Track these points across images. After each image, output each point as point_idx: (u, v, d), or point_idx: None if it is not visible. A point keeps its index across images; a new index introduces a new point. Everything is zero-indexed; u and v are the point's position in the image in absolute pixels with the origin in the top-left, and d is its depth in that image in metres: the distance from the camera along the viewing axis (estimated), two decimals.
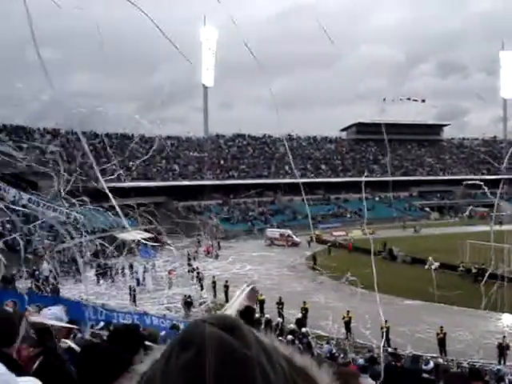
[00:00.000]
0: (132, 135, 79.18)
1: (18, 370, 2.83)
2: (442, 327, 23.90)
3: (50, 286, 31.34)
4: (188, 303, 31.71)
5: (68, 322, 4.70)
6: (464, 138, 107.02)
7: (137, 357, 3.39)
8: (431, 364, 18.08)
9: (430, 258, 40.20)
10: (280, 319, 26.54)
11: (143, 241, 45.65)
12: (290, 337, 21.22)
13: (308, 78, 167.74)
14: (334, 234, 62.12)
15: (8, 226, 40.58)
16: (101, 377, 2.72)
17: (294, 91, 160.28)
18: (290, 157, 71.60)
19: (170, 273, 38.71)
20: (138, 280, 37.14)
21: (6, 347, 2.83)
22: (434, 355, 22.09)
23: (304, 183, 75.08)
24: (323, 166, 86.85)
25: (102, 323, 13.90)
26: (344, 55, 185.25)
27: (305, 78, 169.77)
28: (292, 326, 25.13)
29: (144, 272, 38.21)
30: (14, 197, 47.27)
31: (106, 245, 43.85)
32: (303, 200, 75.76)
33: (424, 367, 17.78)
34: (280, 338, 21.63)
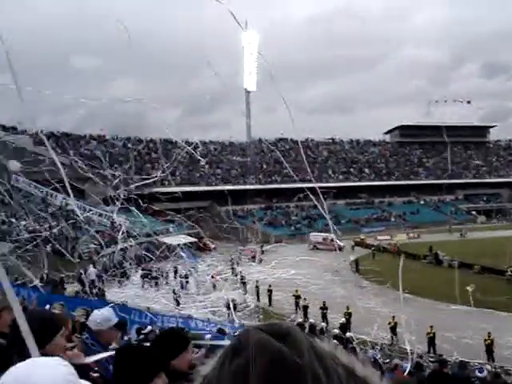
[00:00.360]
0: (175, 141, 79.95)
1: None
2: (489, 333, 23.46)
3: (97, 290, 31.83)
4: (232, 307, 31.83)
5: (117, 322, 4.78)
6: (511, 140, 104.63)
7: (178, 359, 3.49)
8: (485, 372, 17.58)
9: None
10: (324, 324, 26.43)
11: (187, 245, 46.22)
12: (333, 342, 21.11)
13: (350, 81, 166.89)
14: (379, 238, 61.51)
15: (55, 231, 41.46)
16: (135, 378, 2.79)
17: (336, 94, 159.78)
18: (305, 161, 71.22)
19: (213, 277, 38.91)
20: (182, 284, 37.42)
21: (42, 348, 2.96)
22: (481, 361, 21.68)
23: (347, 187, 75.05)
24: (367, 170, 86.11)
25: (149, 327, 14.07)
26: (386, 57, 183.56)
27: (347, 81, 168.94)
28: (336, 330, 24.99)
29: (187, 276, 38.50)
30: (61, 203, 48.30)
31: (151, 249, 44.50)
32: (346, 204, 75.68)
33: (478, 374, 17.31)
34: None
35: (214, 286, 37.43)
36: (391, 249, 52.24)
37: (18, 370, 1.43)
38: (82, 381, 1.64)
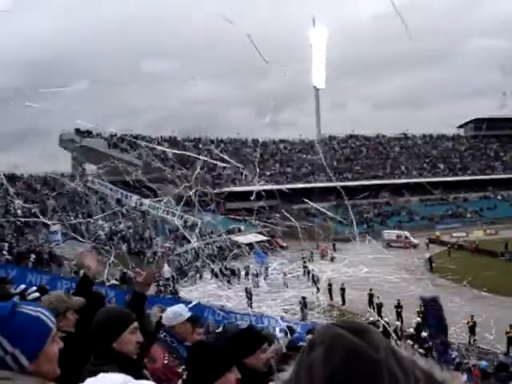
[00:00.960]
0: (245, 140, 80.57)
1: (134, 367, 2.95)
2: None
3: (171, 289, 32.37)
4: (304, 305, 31.74)
5: (190, 318, 4.80)
6: None
7: (252, 357, 3.46)
8: None
9: None
10: (398, 323, 25.94)
11: (259, 243, 46.42)
12: (409, 341, 20.67)
13: (421, 75, 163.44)
14: (454, 235, 59.91)
15: (131, 230, 42.52)
16: (206, 373, 2.80)
17: (408, 89, 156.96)
18: (323, 159, 69.94)
19: (285, 275, 38.97)
20: (254, 282, 37.58)
21: (115, 341, 2.99)
22: None
23: (421, 183, 73.58)
24: (441, 165, 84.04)
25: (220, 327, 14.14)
26: (456, 50, 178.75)
27: (418, 75, 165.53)
28: (411, 330, 24.50)
29: (258, 274, 38.65)
30: (136, 203, 49.44)
31: (224, 247, 44.97)
32: (420, 200, 74.18)
33: None
34: (398, 342, 21.16)
35: (287, 285, 37.53)
36: (470, 247, 50.62)
37: None
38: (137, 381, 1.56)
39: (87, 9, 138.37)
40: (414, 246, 54.07)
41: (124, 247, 37.74)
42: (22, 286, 8.55)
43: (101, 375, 1.71)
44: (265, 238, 50.90)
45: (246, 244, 45.59)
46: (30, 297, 8.30)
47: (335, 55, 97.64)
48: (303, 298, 32.13)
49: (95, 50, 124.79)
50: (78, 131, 64.01)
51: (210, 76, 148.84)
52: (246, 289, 34.56)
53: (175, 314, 4.73)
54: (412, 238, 55.79)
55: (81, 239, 30.77)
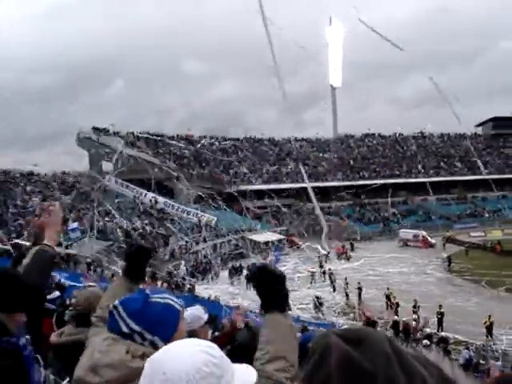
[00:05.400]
0: (262, 138, 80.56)
1: None
2: None
3: (187, 286, 32.45)
4: (319, 304, 31.70)
5: (208, 320, 4.71)
6: None
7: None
8: None
9: None
10: (416, 323, 25.77)
11: (274, 242, 46.40)
12: (425, 341, 20.53)
13: (441, 76, 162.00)
14: (472, 234, 59.43)
15: (147, 228, 42.68)
16: None
17: (427, 89, 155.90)
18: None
19: (309, 271, 39.15)
20: None
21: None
22: None
23: (439, 182, 73.04)
24: (458, 164, 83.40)
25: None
26: (484, 51, 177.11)
27: (438, 76, 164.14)
28: (428, 330, 24.35)
29: None
30: (151, 201, 49.61)
31: (239, 246, 45.04)
32: (437, 199, 73.73)
33: None
34: (416, 342, 21.04)
35: (313, 278, 37.76)
36: (494, 248, 49.88)
37: (154, 357, 1.43)
38: (240, 366, 1.53)
39: (126, 12, 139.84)
40: (431, 246, 53.75)
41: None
42: (56, 294, 8.46)
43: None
44: (281, 237, 50.91)
45: (262, 242, 45.64)
46: (50, 296, 8.29)
47: (356, 54, 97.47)
48: (317, 297, 32.10)
49: (131, 52, 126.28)
50: (95, 129, 64.30)
51: (238, 76, 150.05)
52: None
53: (194, 317, 4.53)
54: (429, 238, 55.46)
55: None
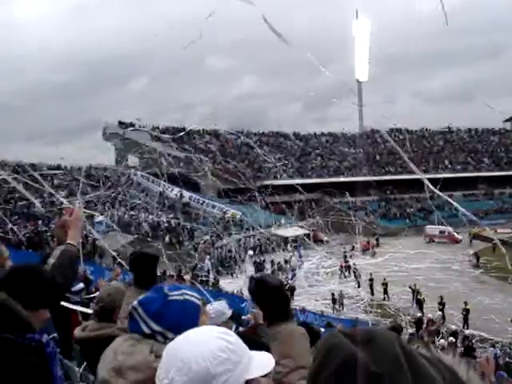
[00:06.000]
0: (287, 133, 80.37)
1: None
2: None
3: (212, 281, 32.59)
4: (335, 300, 31.74)
5: (231, 315, 4.72)
6: None
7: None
8: None
9: None
10: (441, 320, 25.58)
11: (299, 237, 46.30)
12: (451, 339, 20.33)
13: (470, 70, 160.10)
14: (499, 231, 58.62)
15: (173, 222, 42.88)
16: None
17: (456, 83, 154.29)
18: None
19: (341, 266, 39.32)
20: (293, 275, 37.49)
21: None
22: None
23: (466, 178, 72.18)
24: (486, 160, 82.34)
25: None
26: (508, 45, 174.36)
27: (467, 70, 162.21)
28: (453, 327, 24.15)
29: (297, 268, 38.56)
30: (176, 195, 49.87)
31: (265, 240, 45.02)
32: (464, 195, 72.92)
33: None
34: (441, 339, 20.87)
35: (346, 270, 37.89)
36: None
37: (171, 345, 1.46)
38: (257, 353, 1.53)
39: (151, 8, 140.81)
40: (458, 242, 53.22)
41: (167, 238, 38.09)
42: (81, 285, 8.55)
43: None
44: (305, 232, 50.76)
45: (287, 237, 45.57)
46: (74, 288, 8.39)
47: (383, 49, 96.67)
48: (339, 293, 32.11)
49: (156, 48, 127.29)
50: (121, 124, 64.74)
51: (262, 72, 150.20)
52: (286, 283, 34.54)
53: (218, 312, 4.60)
54: (455, 234, 54.90)
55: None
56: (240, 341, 1.47)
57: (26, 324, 1.83)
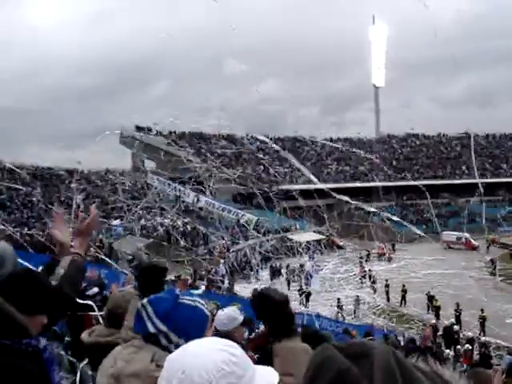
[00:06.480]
0: (303, 138, 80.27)
1: None
2: None
3: (226, 285, 32.58)
4: (356, 305, 31.60)
5: (244, 321, 4.70)
6: None
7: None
8: None
9: None
10: (457, 327, 25.38)
11: (314, 242, 46.19)
12: (467, 346, 20.19)
13: (489, 75, 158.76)
14: None
15: (189, 226, 43.00)
16: None
17: (474, 88, 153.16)
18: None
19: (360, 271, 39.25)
20: (308, 280, 37.38)
21: None
22: None
23: (484, 184, 71.57)
24: (504, 165, 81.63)
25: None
26: None
27: (485, 75, 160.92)
28: (470, 334, 23.94)
29: (312, 273, 38.44)
30: (193, 199, 50.00)
31: (280, 245, 44.96)
32: (481, 202, 72.30)
33: None
34: (457, 346, 20.73)
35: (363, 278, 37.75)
36: None
37: (173, 356, 1.42)
38: (261, 367, 1.51)
39: (172, 12, 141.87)
40: (475, 249, 52.82)
41: (182, 242, 38.18)
42: (95, 290, 8.52)
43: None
44: (321, 237, 50.65)
45: (302, 242, 45.51)
46: (89, 292, 8.42)
47: (400, 54, 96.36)
48: (354, 299, 31.96)
49: (174, 53, 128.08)
50: (138, 128, 65.03)
51: (281, 76, 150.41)
52: (301, 287, 34.46)
53: (229, 318, 4.60)
54: (472, 240, 54.52)
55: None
56: (244, 354, 1.43)
57: (22, 329, 1.81)
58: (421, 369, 0.87)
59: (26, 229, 29.75)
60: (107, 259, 23.54)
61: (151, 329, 1.90)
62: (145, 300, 1.97)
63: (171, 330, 1.88)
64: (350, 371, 0.81)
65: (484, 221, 66.20)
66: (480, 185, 70.42)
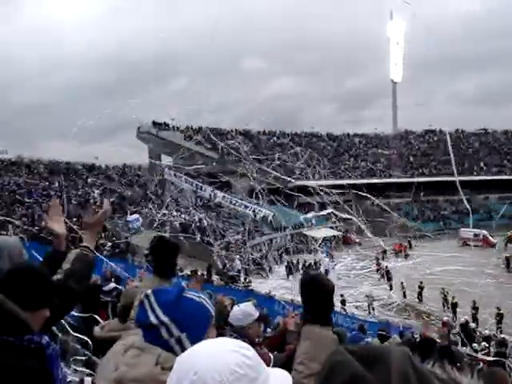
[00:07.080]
0: (320, 134, 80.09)
1: None
2: None
3: (242, 281, 32.64)
4: (371, 302, 31.49)
5: (258, 317, 4.69)
6: None
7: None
8: None
9: None
10: (473, 324, 25.21)
11: (330, 238, 46.09)
12: (484, 344, 20.05)
13: (509, 72, 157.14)
14: None
15: (205, 221, 43.10)
16: None
17: (492, 85, 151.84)
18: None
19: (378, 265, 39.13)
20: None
21: None
22: None
23: (501, 180, 70.91)
24: None
25: None
26: None
27: (505, 72, 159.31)
28: (486, 331, 23.77)
29: (329, 269, 38.38)
30: (210, 195, 50.11)
31: (296, 241, 44.94)
32: (499, 198, 71.68)
33: None
34: (474, 344, 20.59)
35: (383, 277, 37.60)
36: None
37: (183, 356, 1.37)
38: (275, 370, 1.47)
39: (188, 9, 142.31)
40: (492, 246, 52.34)
41: (198, 238, 38.29)
42: (112, 285, 8.54)
43: None
44: (337, 233, 50.51)
45: (317, 238, 45.40)
46: (105, 288, 8.50)
47: (419, 50, 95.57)
48: (369, 295, 31.85)
49: (192, 49, 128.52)
50: (155, 123, 65.23)
51: (297, 72, 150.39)
52: None
53: (244, 313, 4.58)
54: (490, 237, 54.06)
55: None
56: (257, 356, 1.38)
57: (24, 325, 1.78)
58: (438, 375, 0.85)
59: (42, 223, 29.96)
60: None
61: (153, 319, 1.85)
62: (149, 290, 1.92)
63: (173, 321, 1.83)
64: (363, 376, 0.78)
65: (502, 218, 65.59)
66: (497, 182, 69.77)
